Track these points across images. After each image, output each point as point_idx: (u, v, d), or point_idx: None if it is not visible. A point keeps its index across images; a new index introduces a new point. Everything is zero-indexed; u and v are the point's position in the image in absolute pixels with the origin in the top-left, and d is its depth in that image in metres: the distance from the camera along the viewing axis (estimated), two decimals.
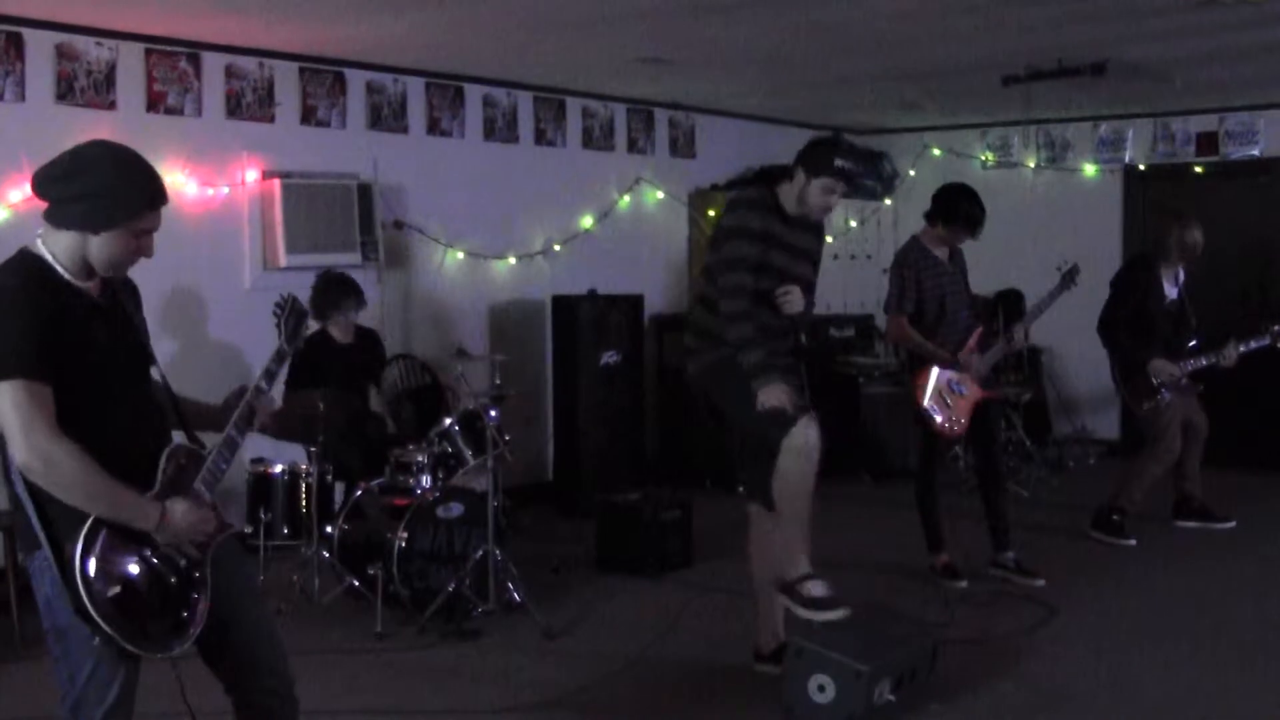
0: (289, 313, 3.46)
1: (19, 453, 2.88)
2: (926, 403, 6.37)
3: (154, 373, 3.24)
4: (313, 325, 5.95)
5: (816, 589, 4.87)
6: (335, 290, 6.71)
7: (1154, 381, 7.35)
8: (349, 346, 6.82)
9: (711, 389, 5.16)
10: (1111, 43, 7.12)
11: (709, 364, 5.09)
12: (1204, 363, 7.44)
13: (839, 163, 4.96)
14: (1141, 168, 10.45)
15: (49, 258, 3.02)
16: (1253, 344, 7.46)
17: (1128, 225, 10.46)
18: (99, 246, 3.02)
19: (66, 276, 3.03)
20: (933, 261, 6.49)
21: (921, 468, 6.68)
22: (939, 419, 6.38)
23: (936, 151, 11.31)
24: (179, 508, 3.04)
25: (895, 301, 6.47)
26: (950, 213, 6.47)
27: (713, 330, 5.04)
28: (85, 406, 2.97)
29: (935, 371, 6.38)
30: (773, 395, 4.83)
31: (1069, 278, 6.77)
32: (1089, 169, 10.63)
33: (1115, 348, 7.51)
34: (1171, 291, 7.53)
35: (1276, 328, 7.45)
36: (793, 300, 5.04)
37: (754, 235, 4.94)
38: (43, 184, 3.03)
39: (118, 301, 3.18)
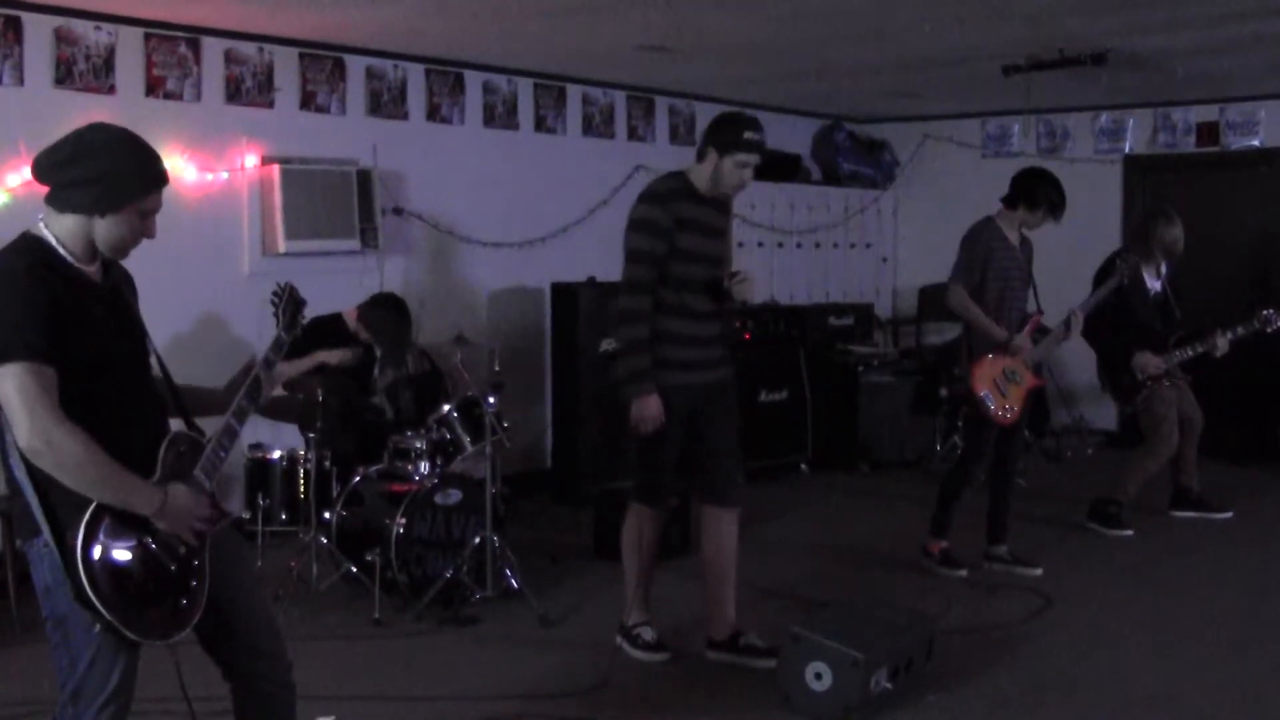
0: (286, 300, 3.46)
1: (23, 435, 2.87)
2: (982, 390, 6.35)
3: (153, 363, 3.24)
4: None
5: (648, 634, 5.39)
6: (403, 334, 6.77)
7: (1139, 376, 7.33)
8: (357, 335, 6.80)
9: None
10: (1112, 32, 7.11)
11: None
12: (1189, 354, 7.42)
13: (748, 135, 5.02)
14: (1141, 158, 10.45)
15: (52, 241, 3.03)
16: (1239, 330, 7.41)
17: (1127, 215, 10.45)
18: (105, 229, 3.03)
19: (70, 260, 3.03)
20: (1005, 244, 6.45)
21: (966, 456, 6.65)
22: (992, 406, 6.36)
23: (936, 141, 11.30)
24: (179, 491, 3.04)
25: (963, 271, 6.40)
26: (1034, 197, 6.42)
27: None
28: (86, 391, 2.97)
29: (990, 358, 6.37)
30: (645, 408, 5.00)
31: (1124, 264, 6.84)
32: (1089, 159, 10.61)
33: (1100, 345, 7.49)
34: (1154, 285, 7.51)
35: (1265, 312, 7.41)
36: (747, 286, 5.14)
37: (659, 229, 4.98)
38: (45, 169, 3.03)
39: (118, 288, 3.18)
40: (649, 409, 4.99)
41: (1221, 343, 7.38)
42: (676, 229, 4.99)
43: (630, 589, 5.43)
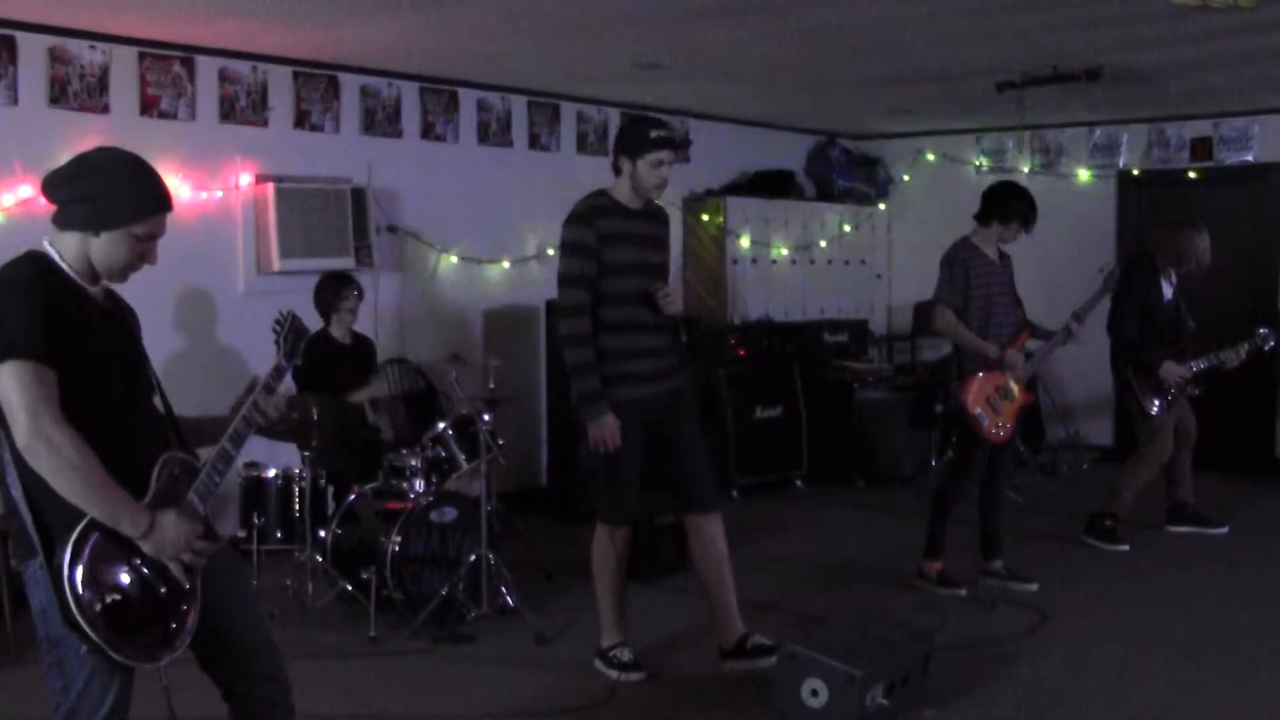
0: (288, 329, 3.45)
1: (21, 434, 2.86)
2: (975, 409, 6.35)
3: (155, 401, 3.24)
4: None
5: (625, 655, 5.31)
6: (332, 283, 6.79)
7: (1165, 385, 7.33)
8: (348, 348, 6.82)
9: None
10: (1106, 48, 7.13)
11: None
12: (1204, 365, 7.43)
13: (655, 134, 5.07)
14: (1136, 173, 10.46)
15: (56, 258, 3.04)
16: (1244, 348, 7.47)
17: (1122, 231, 10.47)
18: (100, 248, 3.04)
19: (73, 276, 3.05)
20: (984, 261, 6.47)
21: (954, 473, 6.63)
22: (986, 424, 6.36)
23: (931, 157, 11.33)
24: (168, 519, 3.01)
25: (946, 293, 6.42)
26: (1006, 210, 6.47)
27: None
28: (85, 406, 2.96)
29: (981, 377, 6.37)
30: (601, 429, 5.01)
31: (1110, 281, 6.89)
32: (1083, 174, 10.64)
33: (1128, 350, 7.43)
34: (1168, 292, 7.52)
35: (1261, 331, 7.49)
36: (674, 300, 5.15)
37: (585, 249, 5.01)
38: (49, 186, 3.07)
39: (120, 313, 3.18)
40: (605, 428, 5.02)
41: (1241, 353, 7.46)
42: (602, 246, 5.01)
43: (603, 610, 5.37)
